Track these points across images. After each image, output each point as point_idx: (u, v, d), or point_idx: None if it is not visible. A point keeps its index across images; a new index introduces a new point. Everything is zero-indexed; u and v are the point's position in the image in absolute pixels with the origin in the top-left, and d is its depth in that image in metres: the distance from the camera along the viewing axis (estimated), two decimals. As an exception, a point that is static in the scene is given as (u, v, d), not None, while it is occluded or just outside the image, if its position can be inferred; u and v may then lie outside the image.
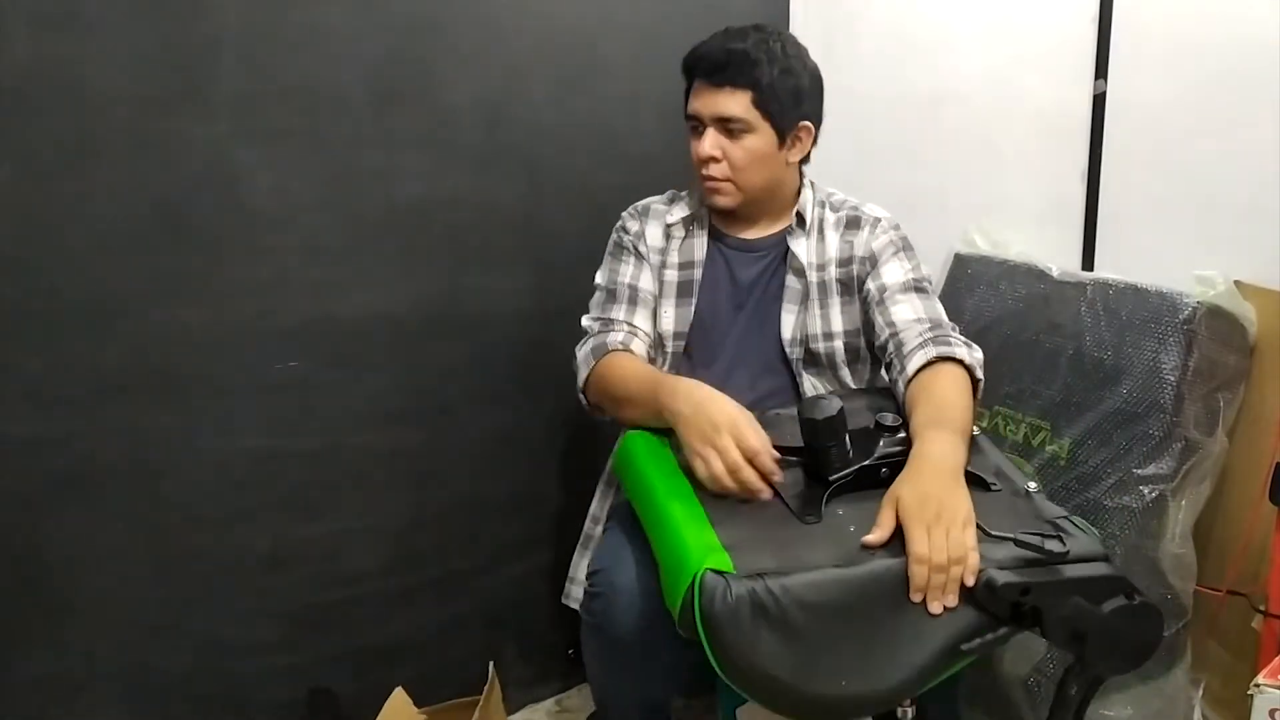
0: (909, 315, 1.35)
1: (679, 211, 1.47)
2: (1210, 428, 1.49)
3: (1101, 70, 1.64)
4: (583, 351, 1.39)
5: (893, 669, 0.98)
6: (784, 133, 1.36)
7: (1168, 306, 1.47)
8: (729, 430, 1.12)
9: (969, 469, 1.11)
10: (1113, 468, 1.50)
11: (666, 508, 1.12)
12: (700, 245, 1.46)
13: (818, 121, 1.42)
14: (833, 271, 1.43)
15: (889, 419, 1.18)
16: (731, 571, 0.97)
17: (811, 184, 1.48)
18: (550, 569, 1.81)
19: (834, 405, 1.10)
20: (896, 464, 1.11)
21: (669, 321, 1.44)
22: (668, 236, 1.46)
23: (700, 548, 1.01)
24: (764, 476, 1.12)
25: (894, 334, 1.34)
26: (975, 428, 1.21)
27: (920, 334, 1.31)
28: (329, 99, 1.46)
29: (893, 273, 1.39)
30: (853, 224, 1.44)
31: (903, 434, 1.17)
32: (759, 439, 1.13)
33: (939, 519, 0.99)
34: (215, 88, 1.37)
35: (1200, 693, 1.53)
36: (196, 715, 1.51)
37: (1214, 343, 1.46)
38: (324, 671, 1.62)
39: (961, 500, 1.03)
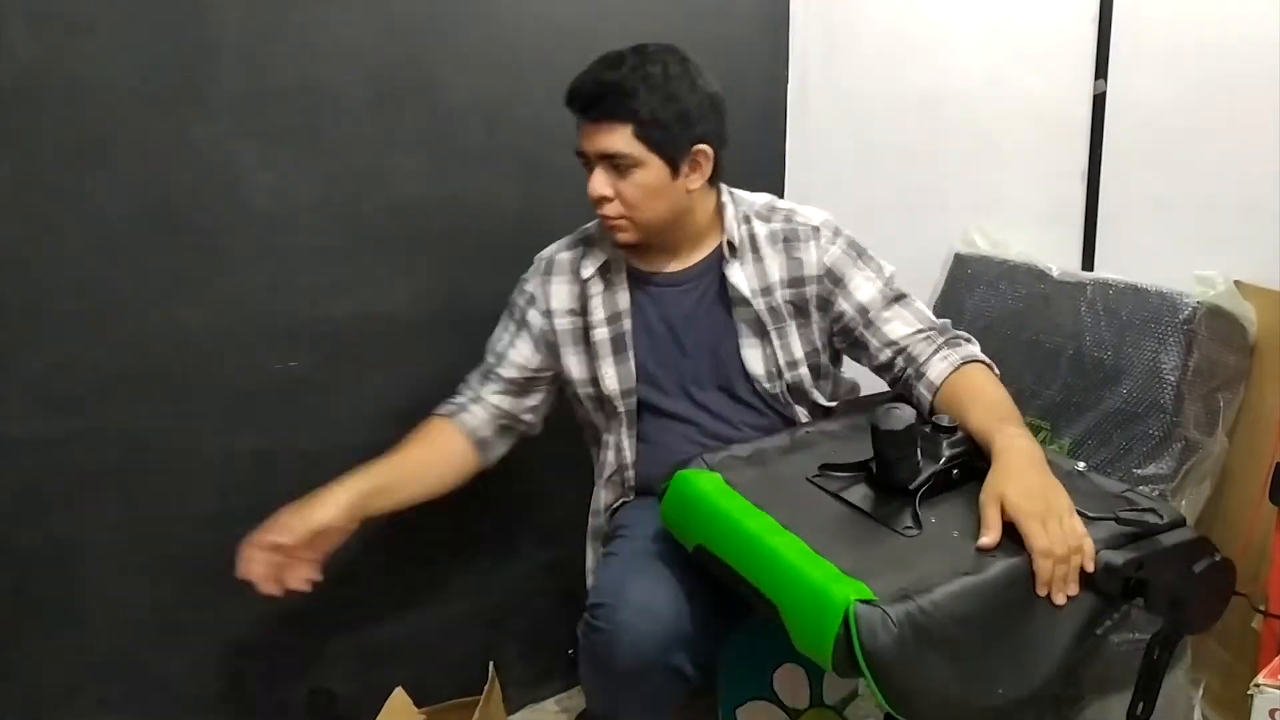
0: (905, 330, 1.33)
1: (592, 262, 1.37)
2: (1210, 428, 1.49)
3: (1101, 70, 1.64)
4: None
5: (1036, 666, 0.98)
6: (675, 162, 1.26)
7: (1168, 306, 1.47)
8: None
9: None
10: (1113, 468, 1.50)
11: (768, 544, 1.03)
12: (623, 293, 1.37)
13: (718, 142, 1.31)
14: (780, 294, 1.36)
15: (945, 420, 1.16)
16: (875, 598, 0.91)
17: (731, 195, 1.39)
18: (550, 568, 1.81)
19: (908, 413, 1.07)
20: (965, 465, 1.12)
21: (612, 381, 1.36)
22: (585, 293, 1.37)
23: (829, 579, 0.94)
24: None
25: (900, 350, 1.33)
26: None
27: (928, 340, 1.31)
28: (329, 99, 1.46)
29: (864, 289, 1.35)
30: (791, 237, 1.36)
31: (960, 434, 1.15)
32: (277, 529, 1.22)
33: (1050, 510, 0.99)
34: (215, 88, 1.37)
35: (1200, 693, 1.53)
36: (196, 715, 1.51)
37: (1214, 343, 1.46)
38: (324, 671, 1.62)
39: (1060, 490, 1.04)
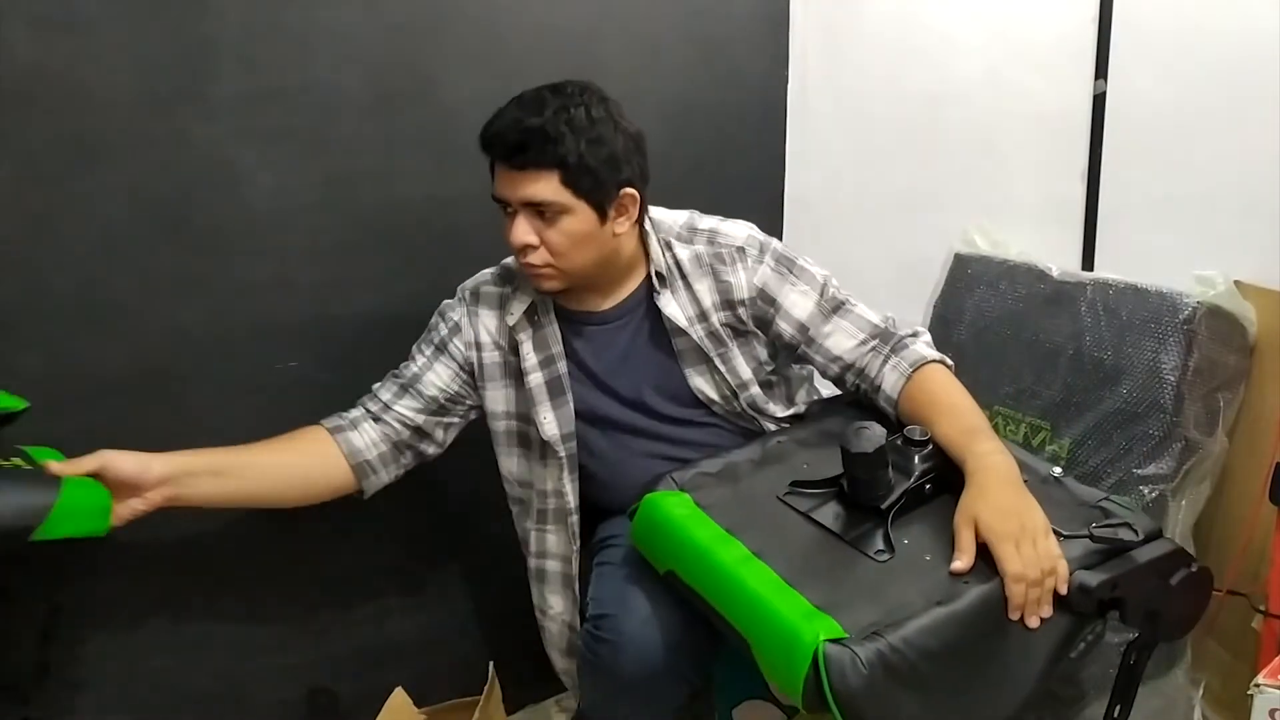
0: (849, 343, 1.31)
1: (519, 303, 1.32)
2: (1210, 428, 1.49)
3: (1101, 70, 1.64)
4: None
5: (1012, 691, 0.97)
6: (603, 207, 1.22)
7: (1168, 306, 1.47)
8: None
9: None
10: (1113, 468, 1.50)
11: (738, 576, 1.01)
12: (554, 334, 1.33)
13: (643, 183, 1.27)
14: (716, 318, 1.32)
15: (917, 434, 1.13)
16: (845, 636, 0.90)
17: (651, 222, 1.33)
18: (550, 569, 1.81)
19: (878, 433, 1.05)
20: (937, 479, 1.10)
21: (552, 426, 1.32)
22: (513, 336, 1.33)
23: (798, 616, 0.93)
24: None
25: (847, 367, 1.32)
26: None
27: (874, 351, 1.30)
28: (329, 99, 1.46)
29: (800, 306, 1.32)
30: (716, 260, 1.32)
31: (931, 445, 1.13)
32: None
33: (1025, 532, 0.98)
34: (215, 88, 1.37)
35: (1200, 693, 1.53)
36: (196, 715, 1.51)
37: (1214, 343, 1.46)
38: (324, 671, 1.62)
39: (1036, 508, 1.02)
